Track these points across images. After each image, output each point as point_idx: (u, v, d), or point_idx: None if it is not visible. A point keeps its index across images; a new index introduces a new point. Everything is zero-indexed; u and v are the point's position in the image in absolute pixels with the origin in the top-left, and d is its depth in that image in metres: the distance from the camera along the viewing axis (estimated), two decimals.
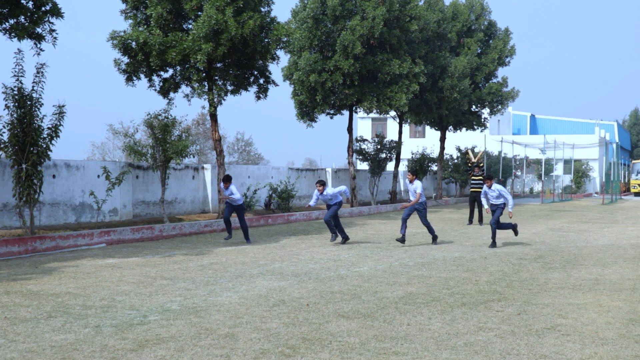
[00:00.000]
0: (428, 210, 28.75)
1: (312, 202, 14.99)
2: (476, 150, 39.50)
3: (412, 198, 14.54)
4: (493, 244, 14.16)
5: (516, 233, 14.95)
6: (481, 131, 37.56)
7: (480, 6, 34.47)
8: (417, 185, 14.45)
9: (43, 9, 14.30)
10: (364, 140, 30.36)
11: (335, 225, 14.78)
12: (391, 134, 53.55)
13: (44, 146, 14.23)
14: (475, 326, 6.94)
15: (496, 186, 14.47)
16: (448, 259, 12.25)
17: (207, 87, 19.66)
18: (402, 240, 14.24)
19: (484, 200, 14.93)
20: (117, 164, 19.71)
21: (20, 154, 13.85)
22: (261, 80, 21.06)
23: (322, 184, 14.96)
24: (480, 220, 20.35)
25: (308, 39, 25.25)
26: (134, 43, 18.72)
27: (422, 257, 12.41)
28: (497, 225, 14.25)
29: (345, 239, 14.90)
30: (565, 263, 11.75)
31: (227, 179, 15.21)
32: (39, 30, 14.32)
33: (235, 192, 15.13)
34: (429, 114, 32.49)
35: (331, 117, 28.94)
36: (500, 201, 14.48)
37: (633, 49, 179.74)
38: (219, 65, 19.87)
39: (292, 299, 8.30)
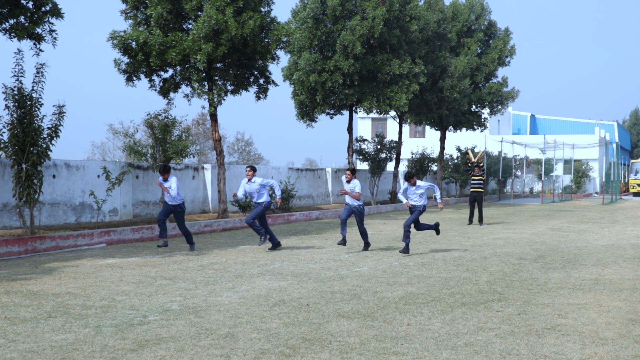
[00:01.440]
0: (428, 210, 28.74)
1: (239, 193, 13.52)
2: (476, 150, 39.50)
3: (348, 200, 13.26)
4: (405, 249, 12.73)
5: (438, 232, 13.76)
6: (481, 131, 37.57)
7: (480, 6, 34.48)
8: (356, 184, 13.27)
9: (43, 9, 14.30)
10: (364, 140, 30.36)
11: (263, 228, 13.42)
12: (391, 134, 53.54)
13: (44, 146, 14.23)
14: (475, 326, 6.94)
15: (421, 183, 13.20)
16: (448, 259, 12.25)
17: (207, 87, 19.66)
18: (343, 242, 13.29)
19: (402, 197, 13.25)
20: (117, 164, 19.71)
21: (20, 154, 13.85)
22: (261, 80, 21.07)
23: (253, 169, 13.45)
24: (481, 220, 20.35)
25: (308, 39, 25.25)
26: (134, 43, 18.72)
27: (422, 257, 12.40)
28: (415, 227, 13.13)
29: (276, 245, 13.47)
30: (565, 263, 11.75)
31: (166, 169, 13.28)
32: (38, 30, 14.32)
33: (175, 188, 13.19)
34: (429, 114, 32.49)
35: (331, 117, 28.96)
36: (421, 203, 13.13)
37: (633, 49, 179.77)
38: (219, 65, 19.87)
39: (292, 299, 8.30)
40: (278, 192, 13.82)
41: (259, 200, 13.35)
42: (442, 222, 21.54)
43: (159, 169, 13.51)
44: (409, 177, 13.21)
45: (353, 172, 13.40)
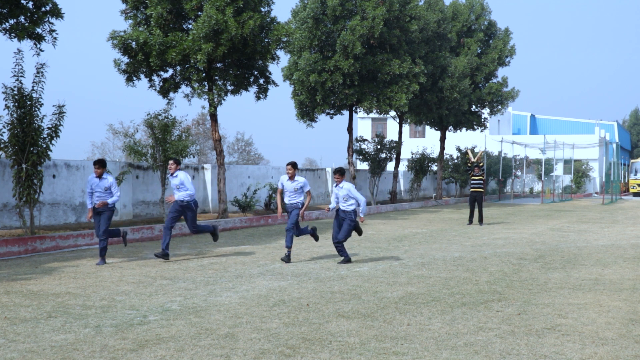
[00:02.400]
0: (428, 210, 28.74)
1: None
2: (476, 150, 39.51)
3: (289, 200, 11.92)
4: (346, 259, 11.56)
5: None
6: (481, 131, 37.57)
7: (480, 6, 34.47)
8: (303, 182, 11.86)
9: (43, 9, 14.30)
10: (364, 140, 30.36)
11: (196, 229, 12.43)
12: (391, 134, 53.54)
13: (44, 146, 14.23)
14: (475, 326, 6.94)
15: (346, 185, 11.54)
16: (448, 259, 12.25)
17: (207, 87, 19.66)
18: (287, 258, 11.62)
19: (332, 198, 11.85)
20: (117, 164, 19.71)
21: (20, 154, 13.85)
22: (261, 80, 21.06)
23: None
24: (481, 220, 20.35)
25: (308, 39, 25.25)
26: (134, 43, 18.72)
27: (422, 257, 12.40)
28: (348, 232, 11.54)
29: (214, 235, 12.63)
30: (565, 263, 11.75)
31: (101, 164, 11.58)
32: (39, 30, 14.31)
33: (115, 187, 11.59)
34: (429, 114, 32.49)
35: (331, 117, 28.96)
36: (351, 206, 11.49)
37: (633, 49, 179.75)
38: (219, 65, 19.87)
39: (292, 299, 8.30)
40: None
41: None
42: (443, 222, 21.54)
43: (95, 162, 11.76)
44: (338, 173, 11.54)
45: (295, 166, 11.94)
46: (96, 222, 11.61)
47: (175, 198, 11.95)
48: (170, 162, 12.08)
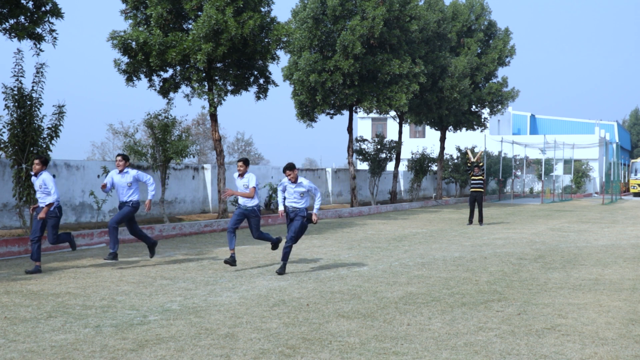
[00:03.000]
0: (428, 210, 28.74)
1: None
2: (476, 150, 39.51)
3: (241, 201, 11.01)
4: (282, 269, 10.33)
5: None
6: (481, 131, 37.57)
7: (480, 6, 34.47)
8: (251, 178, 10.87)
9: (43, 9, 14.30)
10: (364, 140, 30.36)
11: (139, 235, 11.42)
12: (391, 134, 53.54)
13: (44, 146, 14.24)
14: (475, 326, 6.94)
15: (303, 181, 10.53)
16: (448, 259, 12.25)
17: (207, 87, 19.66)
18: (232, 260, 10.77)
19: (280, 197, 10.71)
20: None
21: (20, 154, 13.85)
22: (261, 80, 21.06)
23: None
24: (481, 220, 20.35)
25: (308, 39, 25.25)
26: (134, 43, 18.72)
27: (422, 257, 12.40)
28: (293, 240, 10.42)
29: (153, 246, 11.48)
30: (565, 263, 11.75)
31: (42, 161, 10.76)
32: (39, 30, 14.31)
33: (52, 187, 10.51)
34: (429, 114, 32.49)
35: (331, 117, 28.95)
36: (303, 203, 10.45)
37: (633, 49, 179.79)
38: (219, 65, 19.87)
39: (292, 299, 8.30)
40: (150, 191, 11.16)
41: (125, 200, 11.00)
42: (443, 222, 21.53)
43: (34, 158, 10.92)
44: (289, 169, 10.46)
45: (246, 162, 11.05)
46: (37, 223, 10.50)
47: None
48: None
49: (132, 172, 11.06)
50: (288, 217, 10.57)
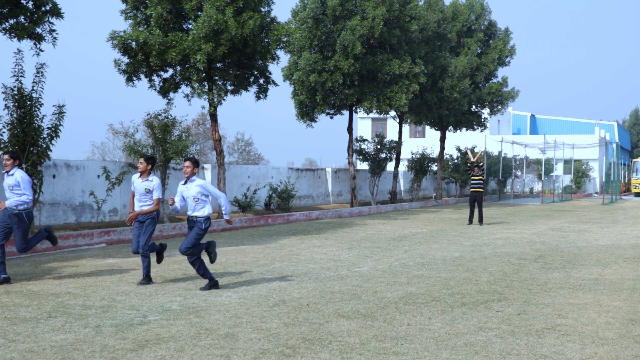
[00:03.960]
0: (428, 210, 28.70)
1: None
2: (476, 150, 39.52)
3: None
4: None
5: (212, 259, 9.10)
6: (481, 131, 37.57)
7: (480, 6, 34.47)
8: (154, 182, 9.31)
9: (43, 9, 14.30)
10: (364, 140, 30.36)
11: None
12: (391, 134, 53.54)
13: (44, 146, 14.24)
14: (475, 326, 6.94)
15: (199, 181, 8.89)
16: (448, 259, 12.25)
17: (207, 87, 19.66)
18: (145, 280, 9.28)
19: (177, 201, 9.04)
20: (117, 164, 19.70)
21: (20, 154, 13.85)
22: (261, 80, 21.06)
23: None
24: (481, 220, 20.34)
25: (308, 39, 25.24)
26: (134, 43, 18.72)
27: (422, 257, 12.40)
28: (193, 250, 8.73)
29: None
30: (565, 263, 11.75)
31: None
32: (39, 30, 14.31)
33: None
34: (429, 114, 32.50)
35: (331, 117, 28.95)
36: (203, 211, 8.82)
37: (633, 49, 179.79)
38: (219, 65, 19.87)
39: (292, 299, 8.29)
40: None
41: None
42: (443, 222, 21.53)
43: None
44: (189, 161, 8.88)
45: (150, 160, 9.41)
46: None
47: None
48: (6, 157, 9.39)
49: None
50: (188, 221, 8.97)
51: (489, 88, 34.28)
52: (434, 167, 38.98)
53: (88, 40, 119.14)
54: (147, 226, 9.37)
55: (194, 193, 8.82)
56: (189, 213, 8.87)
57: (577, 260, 12.08)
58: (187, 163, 8.84)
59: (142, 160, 9.38)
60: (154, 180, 9.36)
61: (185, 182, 8.92)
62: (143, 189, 9.35)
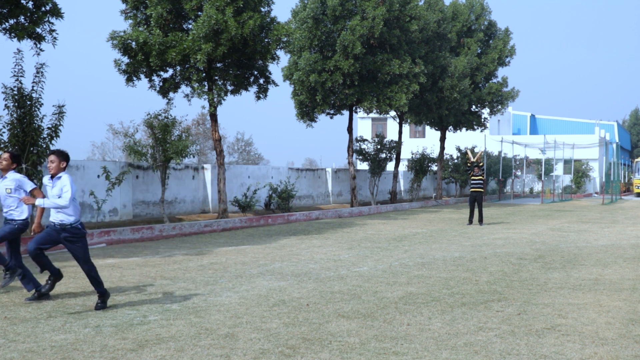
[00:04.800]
0: (428, 210, 28.66)
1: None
2: (476, 150, 39.52)
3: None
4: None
5: (53, 280, 8.21)
6: (481, 131, 37.57)
7: (480, 6, 34.47)
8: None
9: (43, 9, 14.30)
10: (364, 140, 30.36)
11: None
12: (391, 134, 53.54)
13: (44, 146, 14.23)
14: (475, 326, 6.94)
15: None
16: (448, 259, 12.24)
17: (207, 87, 19.66)
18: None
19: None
20: (117, 164, 19.70)
21: (20, 155, 13.84)
22: (261, 80, 21.06)
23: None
24: (481, 220, 20.34)
25: (308, 39, 25.24)
26: (134, 43, 18.71)
27: (422, 257, 12.40)
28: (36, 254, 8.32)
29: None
30: (565, 263, 11.75)
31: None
32: (38, 30, 14.32)
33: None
34: (429, 114, 32.50)
35: (331, 117, 28.95)
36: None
37: (633, 49, 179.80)
38: (219, 65, 19.86)
39: (292, 299, 8.29)
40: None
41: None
42: (443, 222, 21.52)
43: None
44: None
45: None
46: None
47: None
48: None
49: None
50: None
51: (489, 88, 34.28)
52: (434, 167, 38.99)
53: (88, 40, 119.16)
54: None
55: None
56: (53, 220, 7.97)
57: (577, 260, 12.08)
58: (52, 157, 7.62)
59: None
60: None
61: (53, 178, 7.94)
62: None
